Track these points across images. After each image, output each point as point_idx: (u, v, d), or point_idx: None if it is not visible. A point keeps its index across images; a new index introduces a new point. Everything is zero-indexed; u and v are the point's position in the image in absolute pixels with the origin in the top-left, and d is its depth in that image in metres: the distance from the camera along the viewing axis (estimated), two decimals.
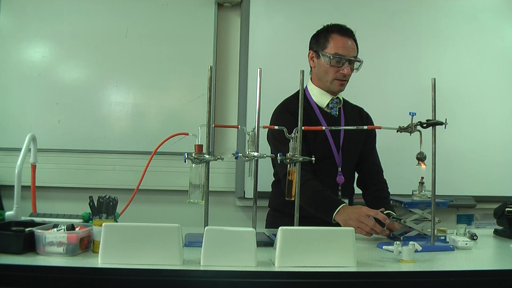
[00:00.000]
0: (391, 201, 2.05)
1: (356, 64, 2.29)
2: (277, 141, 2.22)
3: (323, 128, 2.05)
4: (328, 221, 2.05)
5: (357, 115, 2.46)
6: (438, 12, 3.29)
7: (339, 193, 2.29)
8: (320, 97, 2.35)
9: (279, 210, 2.39)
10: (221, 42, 3.27)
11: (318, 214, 2.10)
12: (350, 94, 2.46)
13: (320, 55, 2.29)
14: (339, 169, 2.31)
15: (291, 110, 2.23)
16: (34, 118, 3.11)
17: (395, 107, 3.07)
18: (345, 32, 2.28)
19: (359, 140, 2.40)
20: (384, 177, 2.45)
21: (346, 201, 2.20)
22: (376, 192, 2.38)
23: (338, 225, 2.01)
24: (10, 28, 3.14)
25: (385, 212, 2.00)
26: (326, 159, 2.28)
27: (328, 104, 2.34)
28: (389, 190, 2.40)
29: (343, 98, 2.41)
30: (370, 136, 2.46)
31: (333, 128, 2.17)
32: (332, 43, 2.26)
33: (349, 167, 2.38)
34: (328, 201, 2.10)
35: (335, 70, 2.26)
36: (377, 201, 2.28)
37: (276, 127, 1.84)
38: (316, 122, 2.29)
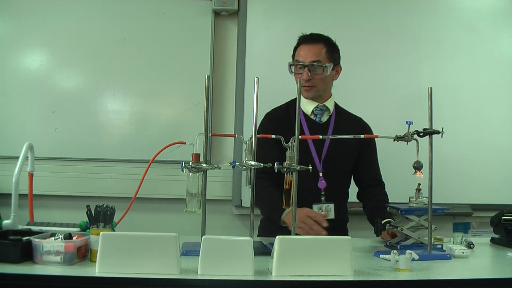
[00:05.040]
0: (388, 208, 2.05)
1: (319, 69, 2.29)
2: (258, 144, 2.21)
3: (320, 137, 2.04)
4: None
5: (353, 123, 2.43)
6: (435, 21, 3.30)
7: (322, 198, 2.28)
8: (305, 105, 2.37)
9: None
10: (218, 50, 3.28)
11: (271, 218, 2.19)
12: (346, 101, 2.48)
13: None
14: (320, 174, 2.30)
15: (272, 118, 2.38)
16: (31, 126, 3.12)
17: (392, 116, 3.07)
18: (308, 39, 2.34)
19: (349, 146, 2.36)
20: (385, 190, 2.44)
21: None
22: (376, 202, 2.34)
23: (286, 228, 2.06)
24: (7, 36, 3.15)
25: (385, 220, 1.98)
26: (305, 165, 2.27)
27: (312, 111, 2.36)
28: (388, 201, 2.37)
29: (337, 106, 2.42)
30: (369, 147, 2.44)
31: (329, 137, 2.17)
32: (297, 52, 2.35)
33: (333, 173, 2.33)
34: (276, 205, 2.06)
35: (298, 77, 2.31)
36: (376, 211, 2.23)
37: (273, 136, 1.87)
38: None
